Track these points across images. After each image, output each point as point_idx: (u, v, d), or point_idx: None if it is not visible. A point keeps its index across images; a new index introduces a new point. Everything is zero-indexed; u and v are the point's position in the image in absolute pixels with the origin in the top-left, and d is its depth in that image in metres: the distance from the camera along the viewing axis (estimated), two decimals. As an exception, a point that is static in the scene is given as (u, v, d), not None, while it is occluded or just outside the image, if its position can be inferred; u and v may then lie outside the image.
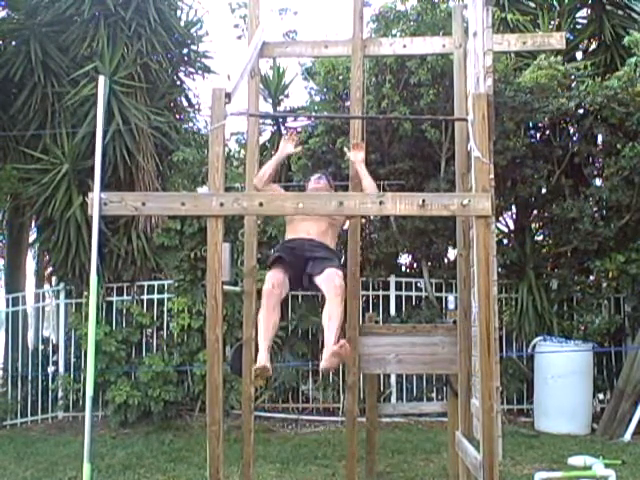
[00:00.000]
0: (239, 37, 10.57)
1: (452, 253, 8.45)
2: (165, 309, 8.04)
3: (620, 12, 8.87)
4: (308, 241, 4.21)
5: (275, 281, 3.96)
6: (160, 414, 7.58)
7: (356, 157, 4.58)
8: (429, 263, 8.45)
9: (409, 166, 7.87)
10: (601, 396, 8.16)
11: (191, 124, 9.93)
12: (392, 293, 8.32)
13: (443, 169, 7.79)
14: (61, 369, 8.18)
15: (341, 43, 5.04)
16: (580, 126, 7.89)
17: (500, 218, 8.44)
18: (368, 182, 4.47)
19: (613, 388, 7.67)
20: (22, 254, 10.12)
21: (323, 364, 3.69)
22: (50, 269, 9.48)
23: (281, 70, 9.11)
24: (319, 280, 3.98)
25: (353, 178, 4.74)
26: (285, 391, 8.03)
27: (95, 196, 3.52)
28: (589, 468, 4.33)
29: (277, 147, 8.84)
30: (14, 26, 8.40)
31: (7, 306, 8.38)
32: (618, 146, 7.56)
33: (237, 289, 5.21)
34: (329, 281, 3.91)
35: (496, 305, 3.71)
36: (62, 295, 8.30)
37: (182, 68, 9.09)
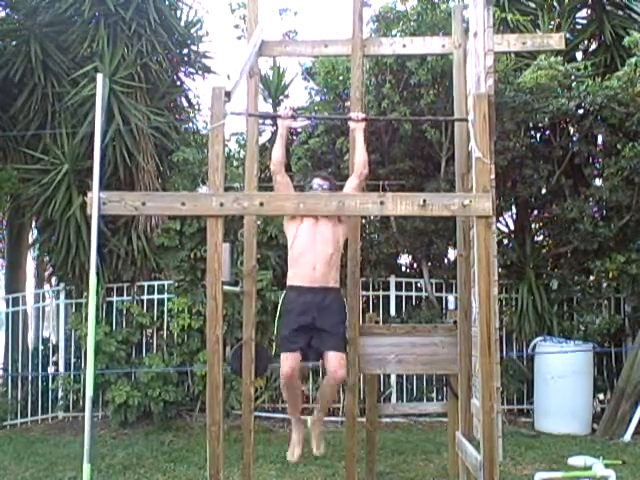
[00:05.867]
0: (239, 37, 10.56)
1: (452, 253, 8.45)
2: (165, 309, 8.03)
3: (620, 12, 8.86)
4: (315, 292, 4.09)
5: (291, 365, 4.01)
6: (160, 414, 7.58)
7: (356, 125, 4.37)
8: (429, 263, 8.44)
9: (409, 166, 7.87)
10: (601, 396, 8.15)
11: (191, 124, 9.93)
12: (392, 293, 8.31)
13: (443, 169, 7.79)
14: (61, 369, 8.18)
15: (341, 43, 5.04)
16: (580, 126, 7.89)
17: (500, 218, 8.44)
18: (360, 154, 4.30)
19: (613, 388, 7.67)
20: (22, 254, 10.13)
21: (315, 451, 4.32)
22: (50, 269, 9.48)
23: (281, 70, 9.11)
24: (325, 358, 4.04)
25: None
26: (285, 391, 8.01)
27: (94, 195, 3.52)
28: (589, 468, 4.33)
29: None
30: (14, 26, 8.41)
31: (7, 306, 8.38)
32: (618, 146, 7.56)
33: (237, 289, 5.20)
34: (333, 371, 4.00)
35: (496, 305, 3.71)
36: (62, 295, 8.30)
37: (182, 68, 9.08)
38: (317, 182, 4.39)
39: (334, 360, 3.98)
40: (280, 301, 4.23)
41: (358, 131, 4.35)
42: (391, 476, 5.74)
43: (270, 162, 4.35)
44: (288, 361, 4.00)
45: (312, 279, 4.08)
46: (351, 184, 4.34)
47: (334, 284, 4.16)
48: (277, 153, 4.29)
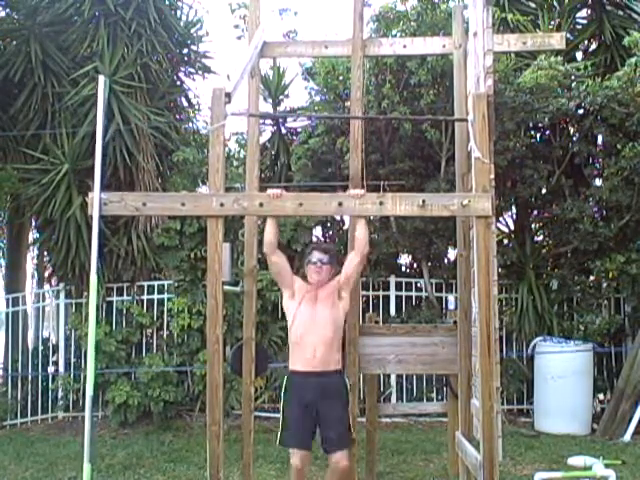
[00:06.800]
0: (239, 37, 10.55)
1: (452, 253, 8.45)
2: (165, 309, 8.03)
3: (620, 12, 8.86)
4: (317, 376, 4.04)
5: (301, 460, 3.99)
6: (160, 414, 7.57)
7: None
8: (429, 263, 8.44)
9: (409, 166, 7.87)
10: (601, 396, 8.15)
11: (191, 124, 9.93)
12: (392, 293, 8.31)
13: (443, 169, 7.79)
14: (61, 369, 8.17)
15: (341, 43, 5.05)
16: (580, 126, 7.89)
17: (500, 218, 8.43)
18: (361, 232, 4.04)
19: (613, 388, 7.67)
20: (22, 254, 10.13)
21: None
22: (50, 269, 9.48)
23: (281, 70, 9.10)
24: (329, 455, 4.03)
25: (353, 179, 4.74)
26: (285, 391, 8.01)
27: (95, 196, 3.53)
28: (589, 468, 4.34)
29: (277, 147, 8.95)
30: (14, 26, 8.41)
31: (7, 306, 8.38)
32: (618, 146, 7.56)
33: (237, 289, 5.21)
34: (335, 462, 3.98)
35: (496, 305, 3.72)
36: (62, 295, 8.29)
37: (182, 68, 9.08)
38: (316, 255, 4.17)
39: (338, 456, 3.98)
40: (283, 385, 4.17)
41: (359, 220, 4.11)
42: (391, 476, 5.74)
43: (264, 244, 4.09)
44: (297, 456, 3.99)
45: (313, 364, 4.02)
46: (353, 261, 4.11)
47: (335, 366, 4.10)
48: (270, 235, 4.02)
